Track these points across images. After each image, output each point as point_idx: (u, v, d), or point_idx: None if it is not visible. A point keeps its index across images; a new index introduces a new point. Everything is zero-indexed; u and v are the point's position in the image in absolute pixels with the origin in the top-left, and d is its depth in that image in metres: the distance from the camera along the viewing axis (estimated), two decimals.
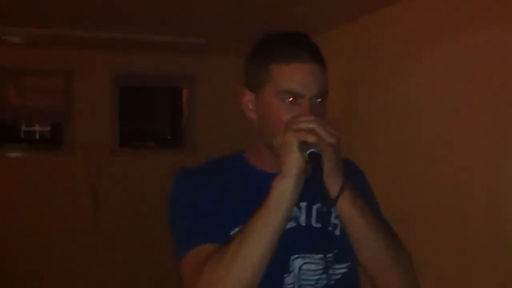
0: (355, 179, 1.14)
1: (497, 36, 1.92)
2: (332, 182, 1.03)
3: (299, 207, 1.15)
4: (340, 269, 1.14)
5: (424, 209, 2.30)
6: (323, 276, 1.12)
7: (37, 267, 3.74)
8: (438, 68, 2.23)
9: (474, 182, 2.03)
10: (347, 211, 1.06)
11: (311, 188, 1.03)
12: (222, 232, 1.07)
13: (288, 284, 1.10)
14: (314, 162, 0.96)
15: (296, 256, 1.11)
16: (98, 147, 3.90)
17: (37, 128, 4.22)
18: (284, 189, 1.00)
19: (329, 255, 1.13)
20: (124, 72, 4.00)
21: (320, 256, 1.12)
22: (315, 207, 1.15)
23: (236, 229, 1.07)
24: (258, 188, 1.07)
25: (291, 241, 1.09)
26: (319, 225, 1.15)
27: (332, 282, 1.13)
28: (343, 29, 2.97)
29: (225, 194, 1.14)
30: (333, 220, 1.16)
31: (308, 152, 0.97)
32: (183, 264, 1.08)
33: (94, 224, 3.86)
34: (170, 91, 4.48)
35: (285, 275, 1.10)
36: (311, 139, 0.98)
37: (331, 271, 1.13)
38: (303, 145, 0.98)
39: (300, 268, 1.11)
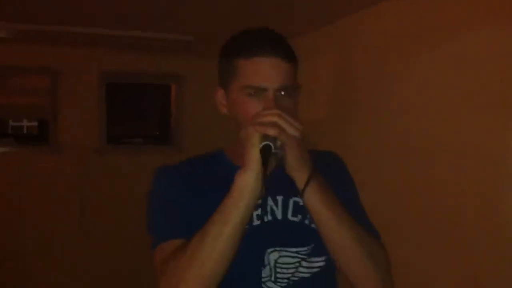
0: (333, 170, 1.17)
1: (492, 34, 1.92)
2: (298, 174, 1.05)
3: (276, 201, 1.17)
4: (318, 262, 1.16)
5: (420, 210, 2.29)
6: (299, 269, 1.14)
7: (21, 265, 3.73)
8: (431, 67, 2.23)
9: (472, 182, 2.02)
10: (313, 203, 1.07)
11: (285, 181, 1.06)
12: (193, 228, 1.06)
13: (264, 277, 1.13)
14: (264, 155, 0.98)
15: (272, 249, 1.13)
16: (85, 144, 3.91)
17: (25, 123, 4.20)
18: (245, 183, 1.01)
19: (305, 248, 1.15)
20: (111, 69, 3.99)
21: (296, 249, 1.14)
22: (291, 201, 1.17)
23: None
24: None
25: (267, 235, 1.12)
26: (295, 219, 1.17)
27: (309, 275, 1.15)
28: (332, 28, 2.97)
29: (200, 190, 1.16)
30: None
31: (261, 146, 0.99)
32: (154, 258, 1.10)
33: (80, 221, 3.86)
34: (158, 88, 4.48)
35: (261, 268, 1.13)
36: (272, 132, 0.99)
37: (306, 264, 1.15)
38: (266, 138, 0.99)
39: (275, 261, 1.13)
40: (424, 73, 2.28)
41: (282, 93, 1.10)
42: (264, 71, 1.09)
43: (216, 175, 1.20)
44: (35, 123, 4.19)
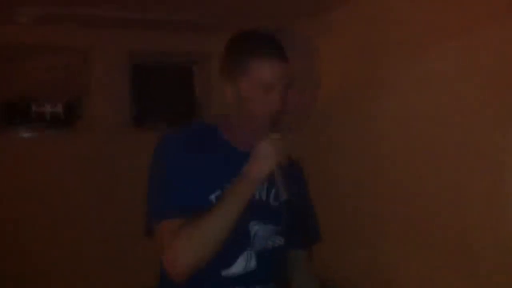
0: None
1: (497, 36, 1.88)
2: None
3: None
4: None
5: (425, 213, 2.28)
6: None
7: (49, 252, 3.72)
8: (439, 70, 2.19)
9: (475, 185, 2.00)
10: None
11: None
12: (192, 207, 1.29)
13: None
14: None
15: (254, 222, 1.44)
16: (112, 126, 3.87)
17: (48, 108, 4.18)
18: (258, 179, 1.30)
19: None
20: (137, 50, 3.95)
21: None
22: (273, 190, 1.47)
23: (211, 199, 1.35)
24: (231, 166, 1.36)
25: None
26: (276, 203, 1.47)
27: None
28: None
29: (200, 168, 1.36)
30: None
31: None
32: (157, 233, 1.32)
33: (109, 205, 3.83)
34: (184, 69, 4.41)
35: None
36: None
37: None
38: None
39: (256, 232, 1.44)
40: (425, 76, 2.24)
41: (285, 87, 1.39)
42: (275, 70, 1.36)
43: (215, 155, 1.42)
44: (59, 109, 4.18)
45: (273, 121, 1.37)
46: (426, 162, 2.25)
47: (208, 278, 1.35)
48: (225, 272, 1.39)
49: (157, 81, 4.33)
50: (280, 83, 1.36)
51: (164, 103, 4.42)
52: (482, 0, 1.97)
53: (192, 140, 1.42)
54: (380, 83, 2.56)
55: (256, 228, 1.42)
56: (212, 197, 1.36)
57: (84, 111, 3.93)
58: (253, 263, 1.42)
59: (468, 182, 2.03)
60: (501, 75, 1.87)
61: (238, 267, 1.40)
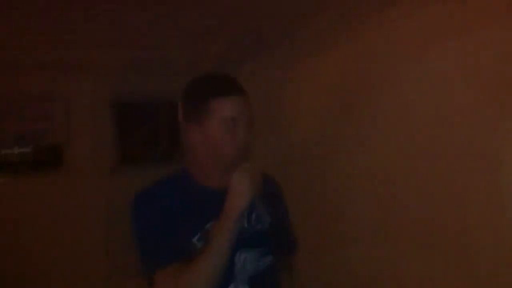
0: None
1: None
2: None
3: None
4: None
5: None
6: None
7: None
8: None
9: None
10: None
11: None
12: (183, 250, 1.36)
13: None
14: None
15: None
16: (98, 167, 3.83)
17: (16, 150, 3.97)
18: (240, 209, 1.36)
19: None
20: (120, 90, 3.94)
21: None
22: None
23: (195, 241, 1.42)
24: (207, 206, 1.42)
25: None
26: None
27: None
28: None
29: (180, 214, 1.41)
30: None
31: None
32: (157, 280, 1.35)
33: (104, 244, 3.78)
34: (168, 105, 4.36)
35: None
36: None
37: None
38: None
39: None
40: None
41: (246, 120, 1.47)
42: (236, 106, 1.44)
43: (190, 199, 1.46)
44: (28, 149, 4.00)
45: (241, 154, 1.44)
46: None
47: None
48: None
49: (144, 119, 4.28)
50: (243, 117, 1.44)
51: (152, 139, 4.36)
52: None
53: (163, 192, 1.48)
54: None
55: (244, 255, 1.47)
56: (195, 239, 1.41)
57: (68, 153, 3.85)
58: None
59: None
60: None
61: None
